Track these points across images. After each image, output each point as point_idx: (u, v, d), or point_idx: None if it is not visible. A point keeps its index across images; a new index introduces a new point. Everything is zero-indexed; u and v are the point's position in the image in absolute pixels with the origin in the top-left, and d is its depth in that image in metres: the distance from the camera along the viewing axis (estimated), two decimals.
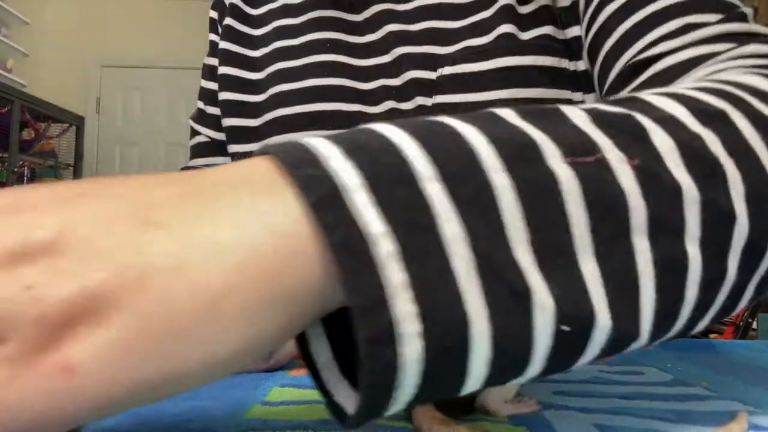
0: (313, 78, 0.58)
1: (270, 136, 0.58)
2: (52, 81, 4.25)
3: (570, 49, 0.54)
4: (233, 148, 0.62)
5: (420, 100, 0.54)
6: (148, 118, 4.48)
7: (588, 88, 0.54)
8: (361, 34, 0.59)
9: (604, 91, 0.49)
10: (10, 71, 3.34)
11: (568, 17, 0.54)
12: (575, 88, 0.54)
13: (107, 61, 4.43)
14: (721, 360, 0.48)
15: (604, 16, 0.48)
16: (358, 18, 0.60)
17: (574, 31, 0.54)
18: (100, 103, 4.43)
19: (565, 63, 0.53)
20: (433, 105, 0.53)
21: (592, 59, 0.51)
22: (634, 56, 0.44)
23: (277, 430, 0.28)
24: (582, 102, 0.54)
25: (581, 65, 0.54)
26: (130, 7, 4.44)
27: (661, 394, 0.36)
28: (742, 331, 2.39)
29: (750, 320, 2.40)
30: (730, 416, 0.31)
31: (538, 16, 0.53)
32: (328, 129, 0.55)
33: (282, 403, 0.33)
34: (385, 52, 0.58)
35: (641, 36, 0.44)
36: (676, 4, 0.43)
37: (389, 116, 0.55)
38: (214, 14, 0.70)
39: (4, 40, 3.36)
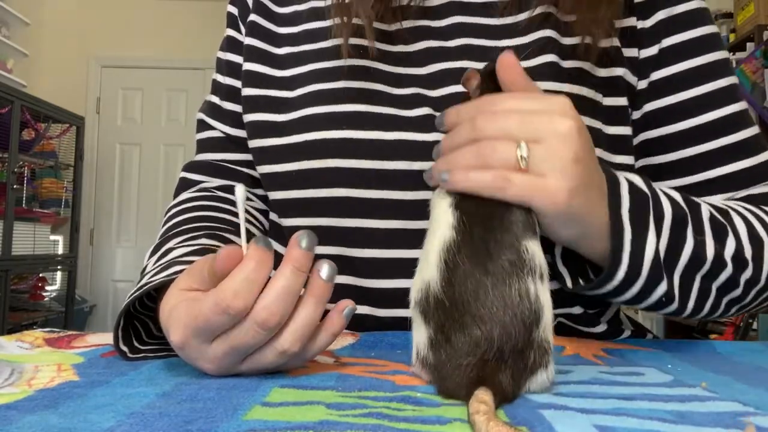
0: (346, 80, 0.59)
1: (299, 132, 0.59)
2: (52, 81, 4.25)
3: (604, 86, 0.57)
4: (255, 142, 0.63)
5: None
6: (148, 118, 4.48)
7: (617, 123, 0.58)
8: (393, 43, 0.61)
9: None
10: (10, 71, 3.34)
11: (612, 59, 0.58)
12: (605, 121, 0.57)
13: (107, 61, 4.44)
14: (721, 361, 0.48)
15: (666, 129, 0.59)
16: (389, 28, 0.61)
17: (615, 71, 0.58)
18: (100, 103, 4.44)
19: (599, 97, 0.57)
20: None
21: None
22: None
23: (277, 431, 0.28)
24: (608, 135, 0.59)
25: (611, 101, 0.58)
26: (130, 8, 4.44)
27: (661, 394, 0.36)
28: (743, 332, 2.39)
29: (750, 321, 2.40)
30: (730, 417, 0.31)
31: (577, 50, 0.57)
32: (361, 129, 0.57)
33: (282, 404, 0.33)
34: (421, 64, 0.60)
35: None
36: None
37: (424, 121, 0.57)
38: (233, 9, 0.71)
39: (4, 40, 3.36)
